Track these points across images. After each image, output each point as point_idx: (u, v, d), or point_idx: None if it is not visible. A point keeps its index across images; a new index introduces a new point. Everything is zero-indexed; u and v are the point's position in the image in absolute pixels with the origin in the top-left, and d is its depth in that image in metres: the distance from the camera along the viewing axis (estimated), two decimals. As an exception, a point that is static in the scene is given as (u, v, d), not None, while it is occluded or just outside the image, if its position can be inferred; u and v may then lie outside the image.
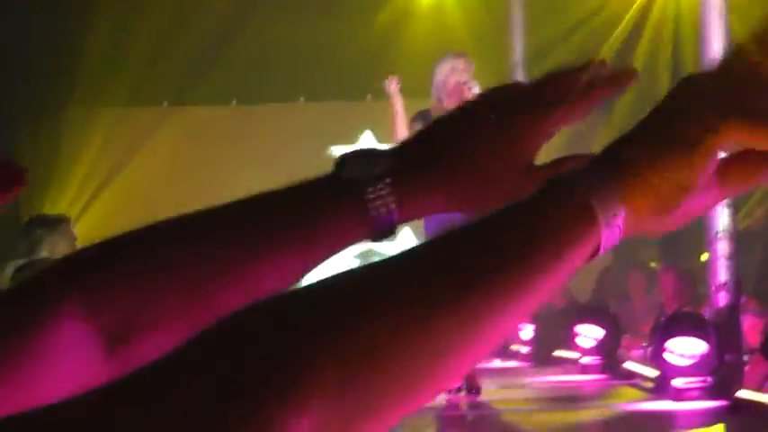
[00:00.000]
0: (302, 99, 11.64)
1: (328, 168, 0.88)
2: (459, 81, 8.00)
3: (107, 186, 11.37)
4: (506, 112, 0.92)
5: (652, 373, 8.04)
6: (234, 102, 11.63)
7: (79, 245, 6.92)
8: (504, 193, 0.91)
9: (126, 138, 11.38)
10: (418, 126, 8.04)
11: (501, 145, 0.91)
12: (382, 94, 11.42)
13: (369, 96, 11.73)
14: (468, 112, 0.94)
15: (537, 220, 0.73)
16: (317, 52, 11.14)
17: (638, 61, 11.65)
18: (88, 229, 10.24)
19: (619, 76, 0.94)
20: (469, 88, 7.96)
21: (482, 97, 0.96)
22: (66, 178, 11.34)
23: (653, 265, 11.52)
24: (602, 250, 0.76)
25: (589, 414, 7.71)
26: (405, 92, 9.94)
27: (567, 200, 0.74)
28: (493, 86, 0.97)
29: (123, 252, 0.85)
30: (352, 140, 11.59)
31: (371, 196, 0.87)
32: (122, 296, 0.82)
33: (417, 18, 11.83)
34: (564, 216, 0.74)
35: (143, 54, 11.02)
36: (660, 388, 7.60)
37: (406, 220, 0.90)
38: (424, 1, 11.97)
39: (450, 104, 8.02)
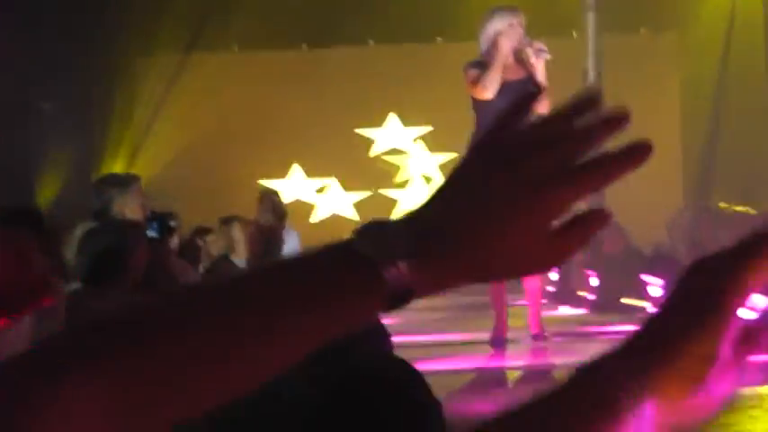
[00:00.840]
0: (372, 42, 11.58)
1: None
2: (520, 42, 7.48)
3: (173, 134, 11.43)
4: (546, 185, 0.88)
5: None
6: (304, 46, 11.58)
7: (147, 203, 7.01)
8: (523, 260, 0.90)
9: (195, 84, 11.40)
10: (474, 73, 7.47)
11: (529, 219, 0.88)
12: (452, 37, 11.32)
13: (439, 39, 11.67)
14: (499, 177, 0.88)
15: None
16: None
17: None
18: (152, 177, 10.30)
19: (613, 120, 0.90)
20: (538, 50, 7.49)
21: (513, 157, 0.89)
22: (129, 127, 11.43)
23: (722, 206, 11.36)
24: None
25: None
26: (473, 36, 9.74)
27: (593, 392, 0.81)
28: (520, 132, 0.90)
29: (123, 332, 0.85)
30: (422, 83, 11.54)
31: (387, 275, 0.86)
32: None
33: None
34: (592, 406, 0.80)
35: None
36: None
37: (422, 294, 0.89)
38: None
39: (508, 61, 7.44)
